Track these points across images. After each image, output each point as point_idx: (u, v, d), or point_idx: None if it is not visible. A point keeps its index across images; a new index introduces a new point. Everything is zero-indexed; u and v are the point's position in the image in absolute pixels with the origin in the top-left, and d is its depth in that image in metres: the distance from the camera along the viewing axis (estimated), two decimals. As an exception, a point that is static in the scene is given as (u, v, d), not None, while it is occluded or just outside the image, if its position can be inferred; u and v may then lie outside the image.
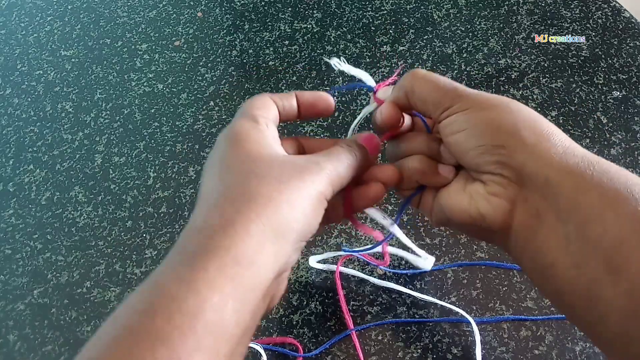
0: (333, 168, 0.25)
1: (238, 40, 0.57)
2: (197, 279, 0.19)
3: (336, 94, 0.29)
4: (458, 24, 0.56)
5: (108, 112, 0.53)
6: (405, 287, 0.39)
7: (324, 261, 0.42)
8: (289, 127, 0.50)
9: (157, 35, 0.58)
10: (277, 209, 0.22)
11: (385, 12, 0.58)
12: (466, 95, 0.26)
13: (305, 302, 0.40)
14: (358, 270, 0.41)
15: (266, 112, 0.27)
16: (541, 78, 0.51)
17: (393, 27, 0.57)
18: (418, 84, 0.27)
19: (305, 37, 0.57)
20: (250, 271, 0.21)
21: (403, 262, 0.41)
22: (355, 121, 0.31)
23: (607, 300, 0.21)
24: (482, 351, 0.36)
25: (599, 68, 0.51)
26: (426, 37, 0.55)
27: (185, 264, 0.20)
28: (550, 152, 0.23)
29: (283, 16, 0.59)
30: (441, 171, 0.28)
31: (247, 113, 0.26)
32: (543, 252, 0.23)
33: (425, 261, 0.40)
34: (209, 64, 0.56)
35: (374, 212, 0.31)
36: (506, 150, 0.24)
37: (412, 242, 0.38)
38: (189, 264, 0.20)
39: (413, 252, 0.39)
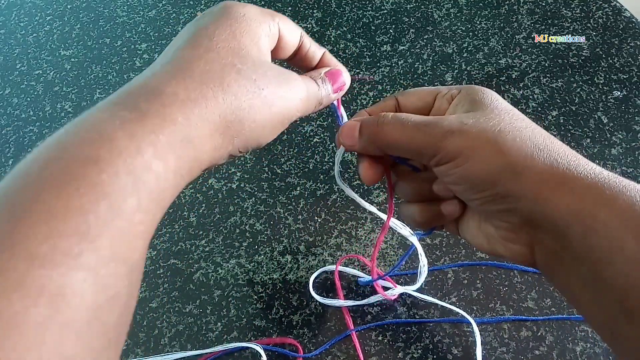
0: (309, 95, 0.25)
1: (238, 39, 0.57)
2: (146, 142, 0.19)
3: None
4: (458, 24, 0.56)
5: (107, 111, 0.53)
6: (406, 288, 0.39)
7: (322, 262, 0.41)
8: (287, 127, 0.50)
9: (156, 34, 0.58)
10: (240, 112, 0.21)
11: (385, 11, 0.58)
12: (448, 137, 0.23)
13: (305, 303, 0.40)
14: (358, 270, 0.41)
15: (281, 21, 0.25)
16: (542, 78, 0.51)
17: (393, 26, 0.56)
18: (390, 134, 0.25)
19: (305, 37, 0.57)
20: (193, 154, 0.20)
21: (403, 262, 0.41)
22: (336, 167, 0.30)
23: (626, 338, 0.21)
24: (482, 351, 0.36)
25: (600, 68, 0.51)
26: (426, 36, 0.55)
27: (137, 121, 0.19)
28: (555, 195, 0.21)
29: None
30: (444, 211, 0.27)
31: (259, 8, 0.24)
32: (566, 288, 0.23)
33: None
34: (209, 64, 0.55)
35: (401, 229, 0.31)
36: (509, 198, 0.22)
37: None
38: (141, 123, 0.19)
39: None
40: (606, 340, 0.23)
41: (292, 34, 0.26)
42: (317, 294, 0.39)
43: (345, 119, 0.29)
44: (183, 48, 0.22)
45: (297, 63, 0.28)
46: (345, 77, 0.28)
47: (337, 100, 0.29)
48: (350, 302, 0.39)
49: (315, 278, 0.41)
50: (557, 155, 0.22)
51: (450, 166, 0.23)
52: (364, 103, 0.51)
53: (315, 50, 0.28)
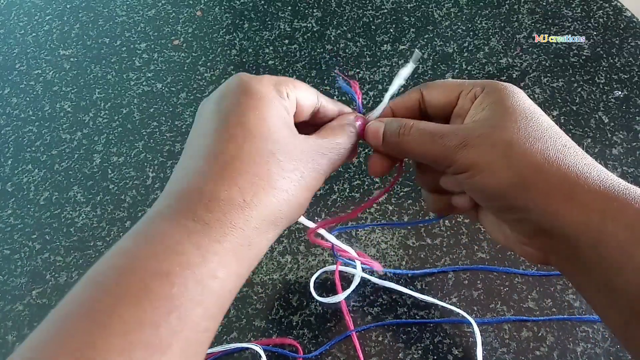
0: (335, 157, 0.25)
1: (237, 39, 0.57)
2: (210, 252, 0.20)
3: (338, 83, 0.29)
4: (459, 23, 0.56)
5: (107, 111, 0.53)
6: (406, 288, 0.39)
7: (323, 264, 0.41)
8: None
9: (156, 34, 0.58)
10: (286, 201, 0.23)
11: (385, 10, 0.58)
12: (459, 150, 0.23)
13: (305, 303, 0.40)
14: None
15: (295, 89, 0.25)
16: (542, 77, 0.51)
17: (393, 26, 0.56)
18: (409, 145, 0.26)
19: (305, 36, 0.56)
20: (253, 254, 0.22)
21: (404, 262, 0.41)
22: (391, 91, 0.29)
23: (638, 343, 0.21)
24: (483, 352, 0.36)
25: (601, 67, 0.51)
26: (427, 36, 0.55)
27: (202, 233, 0.20)
28: (564, 208, 0.22)
29: (283, 15, 0.59)
30: (454, 203, 0.28)
31: (274, 80, 0.25)
32: (581, 290, 0.24)
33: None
34: (208, 63, 0.55)
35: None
36: (519, 210, 0.23)
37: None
38: (206, 234, 0.20)
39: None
40: (621, 341, 0.23)
41: (309, 98, 0.26)
42: (318, 295, 0.39)
43: (360, 107, 0.30)
44: (219, 140, 0.22)
45: (316, 122, 0.28)
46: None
47: (357, 93, 0.30)
48: (347, 292, 0.38)
49: (316, 278, 0.41)
50: (567, 167, 0.22)
51: (464, 177, 0.24)
52: (364, 103, 0.51)
53: (332, 108, 0.28)
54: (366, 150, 0.48)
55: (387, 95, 0.29)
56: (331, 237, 0.34)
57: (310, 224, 0.33)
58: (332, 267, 0.41)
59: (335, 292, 0.40)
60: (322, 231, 0.34)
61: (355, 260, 0.38)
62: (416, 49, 0.29)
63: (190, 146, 0.23)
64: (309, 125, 0.28)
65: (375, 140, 0.27)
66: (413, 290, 0.39)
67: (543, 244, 0.24)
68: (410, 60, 0.28)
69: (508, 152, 0.23)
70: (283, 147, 0.23)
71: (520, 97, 0.25)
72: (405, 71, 0.28)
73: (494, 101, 0.25)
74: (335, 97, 0.51)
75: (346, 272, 0.40)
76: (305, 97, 0.26)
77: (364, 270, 0.40)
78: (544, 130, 0.23)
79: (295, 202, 0.23)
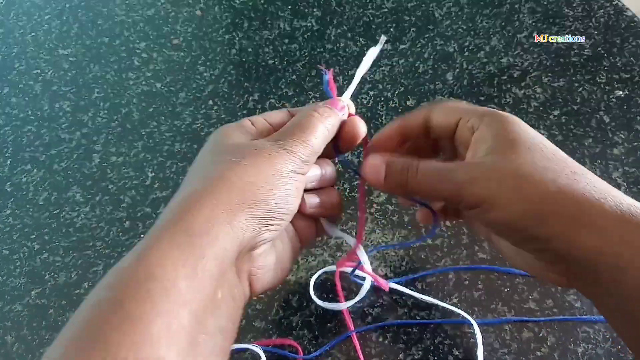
0: (297, 142, 0.25)
1: (237, 38, 0.57)
2: (148, 249, 0.21)
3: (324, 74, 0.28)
4: (459, 23, 0.56)
5: (106, 111, 0.53)
6: (407, 288, 0.39)
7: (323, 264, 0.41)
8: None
9: (155, 33, 0.58)
10: (230, 185, 0.23)
11: (386, 10, 0.57)
12: (469, 190, 0.23)
13: (305, 304, 0.40)
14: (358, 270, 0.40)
15: (262, 115, 0.28)
16: (543, 77, 0.51)
17: (394, 25, 0.56)
18: (416, 186, 0.25)
19: (305, 36, 0.56)
20: (202, 240, 0.21)
21: (404, 263, 0.41)
22: (360, 72, 0.29)
23: None
24: (484, 353, 0.36)
25: (602, 67, 0.51)
26: (427, 35, 0.55)
27: (141, 242, 0.22)
28: (580, 235, 0.22)
29: (282, 14, 0.58)
30: (418, 218, 0.31)
31: (231, 124, 0.27)
32: (606, 315, 0.24)
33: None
34: (208, 63, 0.55)
35: (340, 234, 0.31)
36: (537, 240, 0.23)
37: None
38: (144, 240, 0.22)
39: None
40: None
41: (276, 115, 0.28)
42: (317, 296, 0.39)
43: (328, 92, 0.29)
44: (202, 169, 0.26)
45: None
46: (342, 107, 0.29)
47: (330, 79, 0.28)
48: (350, 303, 0.38)
49: (316, 279, 0.40)
50: (581, 194, 0.22)
51: (477, 212, 0.24)
52: (364, 102, 0.51)
53: (308, 108, 0.28)
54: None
55: (358, 74, 0.29)
56: (364, 258, 0.34)
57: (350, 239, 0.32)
58: (332, 268, 0.40)
59: (335, 293, 0.39)
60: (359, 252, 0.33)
61: (365, 273, 0.37)
62: (382, 35, 0.29)
63: (188, 174, 0.27)
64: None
65: (376, 179, 0.27)
66: (413, 291, 0.39)
67: (566, 270, 0.24)
68: (378, 44, 0.29)
69: (519, 184, 0.22)
70: (222, 149, 0.25)
71: (521, 127, 0.25)
72: (375, 49, 0.29)
73: (496, 134, 0.24)
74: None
75: (346, 273, 0.40)
76: (273, 116, 0.28)
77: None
78: (550, 159, 0.23)
79: (245, 186, 0.23)
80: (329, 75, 0.28)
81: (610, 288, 0.22)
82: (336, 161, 0.30)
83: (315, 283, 0.40)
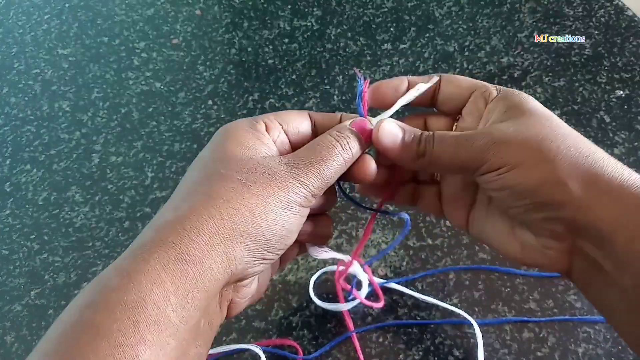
0: (313, 175, 0.23)
1: (237, 38, 0.57)
2: (137, 271, 0.19)
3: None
4: (460, 22, 0.55)
5: (105, 111, 0.52)
6: (407, 288, 0.39)
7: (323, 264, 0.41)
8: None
9: (154, 33, 0.58)
10: (235, 212, 0.21)
11: (386, 9, 0.57)
12: (491, 148, 0.23)
13: (305, 304, 0.40)
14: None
15: (279, 119, 0.25)
16: (544, 77, 0.51)
17: (394, 25, 0.56)
18: (433, 155, 0.24)
19: (305, 35, 0.56)
20: (196, 269, 0.20)
21: (404, 263, 0.41)
22: (404, 100, 0.27)
23: None
24: (484, 353, 0.36)
25: (602, 67, 0.51)
26: (428, 35, 0.55)
27: (128, 258, 0.20)
28: (600, 202, 0.21)
29: (282, 14, 0.58)
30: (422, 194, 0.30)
31: (253, 118, 0.25)
32: (601, 295, 0.23)
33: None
34: (208, 63, 0.55)
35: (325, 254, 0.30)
36: (552, 206, 0.22)
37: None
38: (132, 257, 0.20)
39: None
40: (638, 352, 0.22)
41: (299, 124, 0.26)
42: (317, 296, 0.39)
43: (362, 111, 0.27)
44: (183, 178, 0.24)
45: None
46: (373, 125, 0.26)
47: (364, 91, 0.26)
48: (350, 305, 0.38)
49: (315, 279, 0.40)
50: (602, 163, 0.22)
51: (493, 175, 0.23)
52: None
53: (330, 120, 0.27)
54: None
55: (400, 102, 0.27)
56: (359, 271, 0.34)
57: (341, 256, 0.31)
58: (332, 268, 0.40)
59: (335, 294, 0.39)
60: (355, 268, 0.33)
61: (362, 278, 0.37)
62: (435, 76, 0.27)
63: None
64: None
65: (392, 142, 0.24)
66: (414, 291, 0.39)
67: (571, 245, 0.23)
68: (429, 82, 0.27)
69: (541, 146, 0.22)
70: (234, 167, 0.22)
71: (535, 103, 0.25)
72: (424, 87, 0.27)
73: (513, 105, 0.24)
74: (336, 96, 0.51)
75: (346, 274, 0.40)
76: (292, 115, 0.26)
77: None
78: (569, 129, 0.23)
79: (246, 215, 0.21)
80: (364, 87, 0.26)
81: (623, 260, 0.21)
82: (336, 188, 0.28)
83: (315, 283, 0.40)
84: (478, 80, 0.27)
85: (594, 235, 0.22)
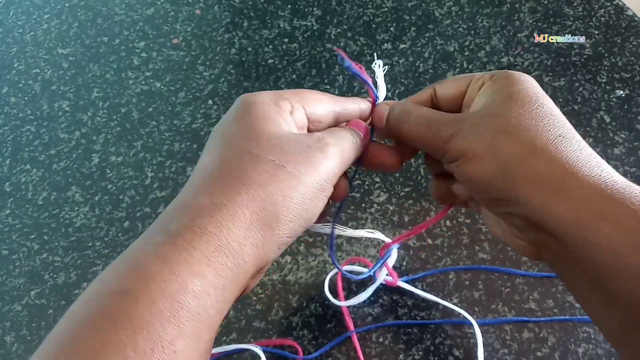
0: (341, 149, 0.23)
1: (237, 38, 0.57)
2: (179, 261, 0.19)
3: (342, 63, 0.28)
4: (460, 22, 0.55)
5: (105, 111, 0.52)
6: (408, 284, 0.39)
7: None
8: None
9: (154, 33, 0.58)
10: (269, 198, 0.21)
11: (386, 9, 0.57)
12: (451, 140, 0.23)
13: (305, 304, 0.40)
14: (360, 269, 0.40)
15: (302, 100, 0.24)
16: (544, 77, 0.51)
17: (394, 24, 0.56)
18: (407, 131, 0.25)
19: (305, 35, 0.56)
20: (233, 262, 0.20)
21: (404, 263, 0.41)
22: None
23: (637, 345, 0.20)
24: (484, 353, 0.36)
25: (602, 67, 0.51)
26: (428, 34, 0.55)
27: (168, 243, 0.19)
28: (549, 202, 0.20)
29: (282, 14, 0.58)
30: (456, 191, 0.27)
31: (274, 92, 0.24)
32: (573, 289, 0.23)
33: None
34: (208, 62, 0.55)
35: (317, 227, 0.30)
36: (507, 202, 0.22)
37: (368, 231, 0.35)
38: (172, 244, 0.19)
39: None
40: (614, 344, 0.22)
41: (321, 107, 0.25)
42: (317, 296, 0.39)
43: (375, 90, 0.29)
44: (206, 155, 0.22)
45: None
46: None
47: (367, 76, 0.28)
48: (362, 297, 0.37)
49: (315, 280, 0.40)
50: (559, 158, 0.21)
51: (454, 166, 0.24)
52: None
53: (355, 108, 0.27)
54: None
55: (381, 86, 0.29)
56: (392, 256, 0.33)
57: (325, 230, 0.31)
58: (344, 268, 0.40)
59: (336, 294, 0.39)
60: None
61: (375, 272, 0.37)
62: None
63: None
64: None
65: (379, 123, 0.27)
66: (418, 289, 0.39)
67: (535, 238, 0.23)
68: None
69: (495, 141, 0.22)
70: (264, 145, 0.21)
71: (526, 85, 0.23)
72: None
73: (498, 89, 0.24)
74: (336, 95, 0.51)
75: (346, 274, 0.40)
76: (317, 107, 0.25)
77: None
78: (540, 119, 0.22)
79: (279, 197, 0.21)
80: (350, 63, 0.27)
81: (580, 262, 0.20)
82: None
83: (314, 283, 0.40)
84: (473, 74, 0.27)
85: (549, 234, 0.21)
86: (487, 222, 0.27)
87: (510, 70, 0.25)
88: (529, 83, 0.24)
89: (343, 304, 0.38)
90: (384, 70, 0.28)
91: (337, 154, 0.23)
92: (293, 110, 0.24)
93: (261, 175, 0.21)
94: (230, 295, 0.20)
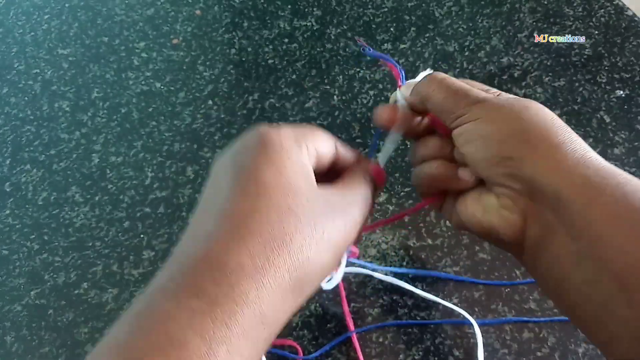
0: (360, 211, 0.23)
1: (237, 38, 0.57)
2: (218, 340, 0.17)
3: (365, 51, 0.30)
4: (460, 22, 0.55)
5: (105, 111, 0.52)
6: (408, 283, 0.39)
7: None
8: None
9: (154, 33, 0.58)
10: (307, 263, 0.20)
11: (386, 9, 0.57)
12: (479, 102, 0.25)
13: (304, 304, 0.40)
14: (362, 268, 0.40)
15: (314, 140, 0.23)
16: (544, 77, 0.51)
17: (394, 25, 0.56)
18: (433, 89, 0.26)
19: (305, 35, 0.56)
20: (270, 331, 0.19)
21: (404, 263, 0.41)
22: (385, 153, 0.29)
23: (621, 320, 0.20)
24: (484, 353, 0.36)
25: (602, 67, 0.51)
26: (428, 35, 0.55)
27: (206, 314, 0.17)
28: (561, 163, 0.22)
29: (282, 14, 0.58)
30: (461, 175, 0.27)
31: (294, 132, 0.22)
32: (555, 267, 0.22)
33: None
34: (208, 62, 0.55)
35: None
36: (514, 162, 0.23)
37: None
38: (211, 317, 0.17)
39: None
40: (594, 325, 0.21)
41: (327, 148, 0.24)
42: (317, 296, 0.39)
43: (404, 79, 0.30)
44: (231, 199, 0.20)
45: (337, 167, 0.26)
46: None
47: (395, 69, 0.30)
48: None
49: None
50: (574, 144, 0.23)
51: (468, 125, 0.25)
52: (364, 102, 0.51)
53: (349, 155, 0.27)
54: (366, 151, 0.48)
55: (389, 146, 0.29)
56: None
57: None
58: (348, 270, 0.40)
59: (336, 294, 0.39)
60: None
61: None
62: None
63: (202, 207, 0.21)
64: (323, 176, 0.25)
65: (406, 91, 0.29)
66: (416, 288, 0.39)
67: (527, 207, 0.23)
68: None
69: (521, 111, 0.24)
70: (302, 202, 0.20)
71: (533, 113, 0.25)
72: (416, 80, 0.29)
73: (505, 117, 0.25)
74: (336, 96, 0.51)
75: (346, 272, 0.40)
76: (324, 146, 0.24)
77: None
78: (558, 120, 0.24)
79: (318, 264, 0.20)
80: (376, 53, 0.29)
81: (577, 227, 0.21)
82: None
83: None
84: (465, 90, 0.26)
85: (551, 197, 0.22)
86: (464, 210, 0.27)
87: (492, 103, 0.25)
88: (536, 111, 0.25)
89: (326, 286, 0.37)
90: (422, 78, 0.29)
91: (360, 215, 0.23)
92: (308, 151, 0.23)
93: (304, 239, 0.20)
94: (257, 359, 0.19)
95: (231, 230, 0.19)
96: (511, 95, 0.26)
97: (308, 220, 0.20)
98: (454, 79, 0.26)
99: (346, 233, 0.22)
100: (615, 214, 0.20)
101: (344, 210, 0.22)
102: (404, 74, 0.30)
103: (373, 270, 0.40)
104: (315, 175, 0.22)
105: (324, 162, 0.24)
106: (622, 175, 0.21)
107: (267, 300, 0.18)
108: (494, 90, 0.27)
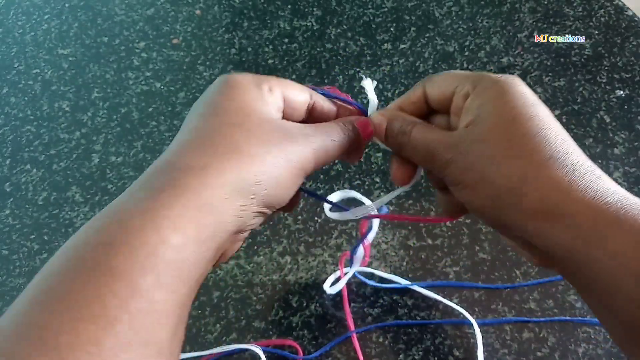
0: (322, 144, 0.24)
1: (237, 38, 0.57)
2: (161, 216, 0.19)
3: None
4: (460, 22, 0.55)
5: (105, 111, 0.52)
6: (407, 281, 0.39)
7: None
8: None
9: (154, 33, 0.58)
10: (254, 166, 0.22)
11: (386, 9, 0.57)
12: (447, 170, 0.24)
13: (305, 304, 0.40)
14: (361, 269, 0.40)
15: (281, 85, 0.25)
16: (544, 77, 0.51)
17: (394, 24, 0.56)
18: (408, 152, 0.26)
19: (305, 35, 0.56)
20: (214, 219, 0.20)
21: (404, 263, 0.41)
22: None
23: None
24: (484, 353, 0.36)
25: (602, 67, 0.51)
26: (428, 35, 0.55)
27: (149, 199, 0.20)
28: (543, 229, 0.21)
29: (282, 14, 0.58)
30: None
31: (256, 76, 0.25)
32: (585, 300, 0.23)
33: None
34: (208, 62, 0.55)
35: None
36: (503, 227, 0.23)
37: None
38: (153, 199, 0.20)
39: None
40: (623, 351, 0.22)
41: (299, 95, 0.26)
42: (317, 296, 0.39)
43: (358, 104, 0.29)
44: (190, 122, 0.23)
45: (317, 120, 0.27)
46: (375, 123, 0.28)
47: (341, 94, 0.28)
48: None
49: (315, 279, 0.40)
50: (551, 185, 0.21)
51: (454, 190, 0.24)
52: (364, 102, 0.50)
53: (329, 105, 0.28)
54: (366, 151, 0.48)
55: (372, 97, 0.29)
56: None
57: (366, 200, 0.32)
58: (347, 270, 0.40)
59: (336, 294, 0.39)
60: None
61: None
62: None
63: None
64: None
65: (379, 136, 0.27)
66: (418, 287, 0.39)
67: (540, 254, 0.23)
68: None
69: (485, 173, 0.22)
70: (254, 121, 0.23)
71: (509, 97, 0.23)
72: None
73: (482, 103, 0.23)
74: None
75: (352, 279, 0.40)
76: (294, 93, 0.26)
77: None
78: (530, 138, 0.21)
79: (271, 176, 0.22)
80: (338, 92, 0.28)
81: (582, 282, 0.21)
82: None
83: (314, 283, 0.40)
84: (459, 75, 0.26)
85: (555, 257, 0.21)
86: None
87: (492, 77, 0.24)
88: (514, 92, 0.23)
89: (330, 290, 0.38)
90: (373, 83, 0.28)
91: (314, 151, 0.24)
92: (271, 92, 0.25)
93: (250, 147, 0.22)
94: (209, 254, 0.21)
95: (185, 141, 0.22)
96: (482, 94, 0.24)
97: (260, 135, 0.22)
98: (421, 135, 0.25)
99: (303, 156, 0.23)
100: (610, 280, 0.20)
101: (306, 137, 0.24)
102: (362, 106, 0.29)
103: (373, 270, 0.40)
104: (287, 118, 0.25)
105: (296, 108, 0.26)
106: (611, 219, 0.20)
107: (211, 193, 0.20)
108: (469, 84, 0.25)
